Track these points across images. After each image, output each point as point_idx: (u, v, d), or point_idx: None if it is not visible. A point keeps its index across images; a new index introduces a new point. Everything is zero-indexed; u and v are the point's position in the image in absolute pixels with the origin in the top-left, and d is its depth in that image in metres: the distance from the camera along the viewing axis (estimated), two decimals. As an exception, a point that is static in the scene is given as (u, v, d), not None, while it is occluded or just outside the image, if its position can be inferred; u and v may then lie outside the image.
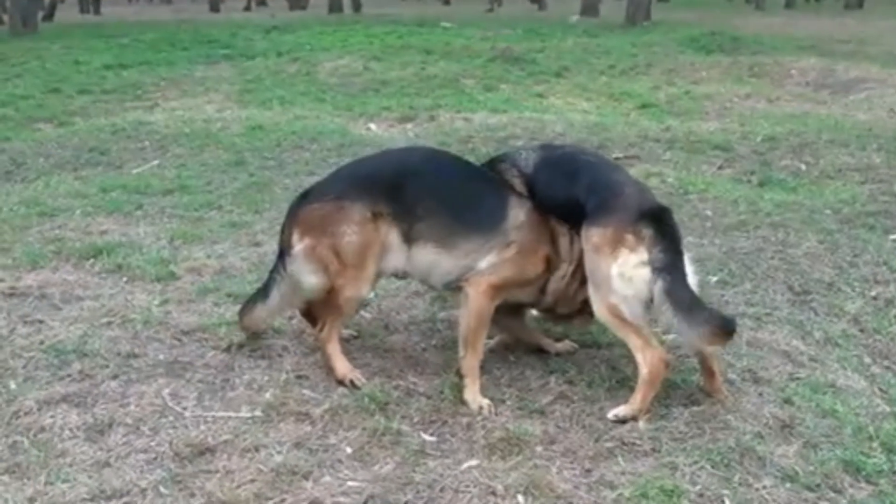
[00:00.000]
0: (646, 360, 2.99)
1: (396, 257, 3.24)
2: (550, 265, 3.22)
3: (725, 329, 2.95)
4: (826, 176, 6.36)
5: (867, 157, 6.69)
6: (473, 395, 3.09)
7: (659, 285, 2.93)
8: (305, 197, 3.34)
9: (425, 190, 3.23)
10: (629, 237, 2.97)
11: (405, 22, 21.00)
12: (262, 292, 3.35)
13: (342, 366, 3.24)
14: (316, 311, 3.39)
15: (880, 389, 3.37)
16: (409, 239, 3.20)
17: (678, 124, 8.38)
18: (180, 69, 13.06)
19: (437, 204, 3.21)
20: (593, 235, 3.04)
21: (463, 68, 12.49)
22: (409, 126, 8.61)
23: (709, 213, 5.37)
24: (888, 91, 10.48)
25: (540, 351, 3.51)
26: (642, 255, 2.95)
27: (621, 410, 2.99)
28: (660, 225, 3.01)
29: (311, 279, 3.23)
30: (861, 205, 5.47)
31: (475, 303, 3.14)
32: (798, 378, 3.32)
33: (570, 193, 3.16)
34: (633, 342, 3.03)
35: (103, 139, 7.71)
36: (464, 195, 3.27)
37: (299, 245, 3.22)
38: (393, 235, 3.20)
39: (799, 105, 10.07)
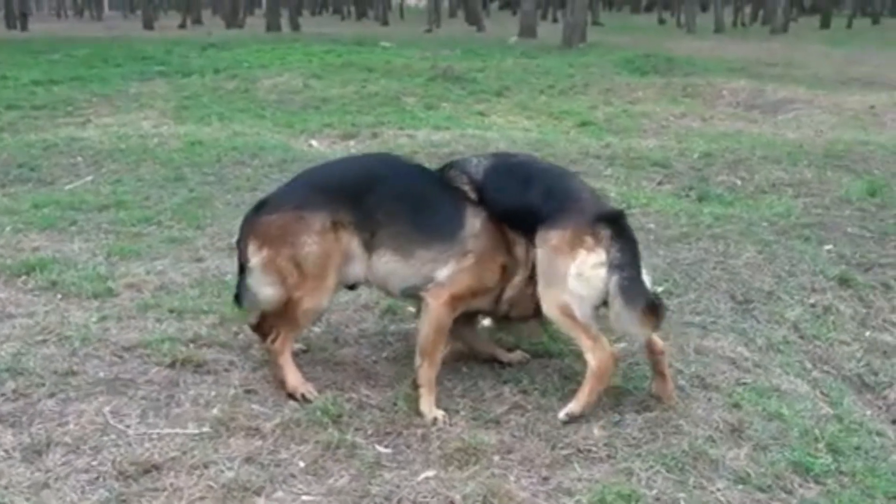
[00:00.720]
0: (594, 356, 3.05)
1: (357, 266, 3.23)
2: (507, 273, 3.23)
3: (654, 310, 3.03)
4: (761, 191, 6.54)
5: (799, 172, 6.90)
6: (429, 406, 3.07)
7: (614, 280, 3.00)
8: (262, 207, 3.27)
9: (386, 196, 3.22)
10: (588, 238, 3.04)
11: (344, 41, 20.99)
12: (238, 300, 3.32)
13: (294, 378, 3.18)
14: (269, 322, 3.33)
15: (822, 393, 3.48)
16: (369, 247, 3.19)
17: (617, 141, 8.52)
18: (114, 85, 12.71)
19: (398, 211, 3.21)
20: (552, 237, 3.09)
21: (404, 86, 12.50)
22: (351, 143, 8.53)
23: (652, 226, 5.45)
24: (815, 111, 10.90)
25: (493, 361, 3.50)
26: (601, 255, 3.02)
27: (571, 407, 3.04)
28: (617, 227, 3.09)
29: (269, 291, 3.18)
30: (796, 217, 5.64)
31: (435, 313, 3.14)
32: (744, 383, 3.39)
33: (525, 199, 3.20)
34: (583, 340, 3.08)
35: (33, 155, 7.44)
36: (423, 202, 3.26)
37: (257, 257, 3.16)
38: (354, 244, 3.18)
39: (731, 124, 10.37)
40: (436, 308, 3.14)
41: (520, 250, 3.24)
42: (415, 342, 3.40)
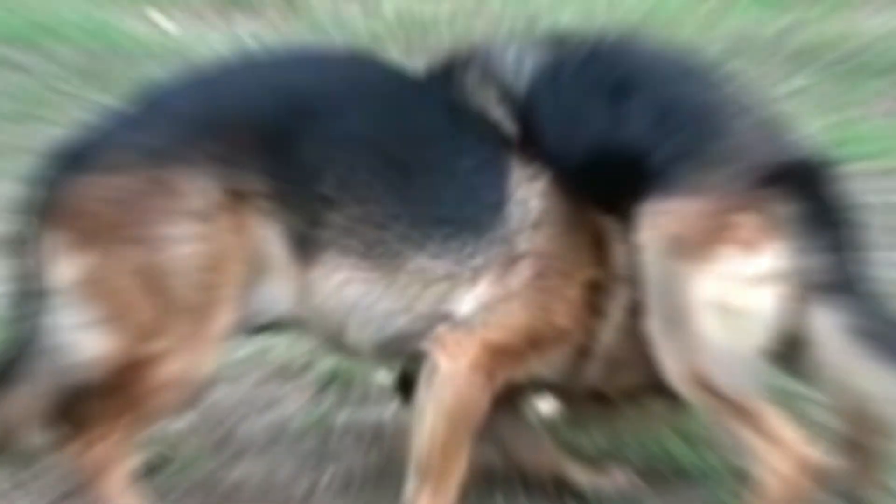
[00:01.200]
0: (767, 464, 2.78)
1: (278, 288, 2.81)
2: (598, 298, 2.89)
3: None
4: None
5: None
6: None
7: (823, 315, 2.69)
8: (77, 162, 2.77)
9: (342, 139, 2.86)
10: (745, 219, 2.74)
11: None
12: (14, 365, 2.84)
13: None
14: (85, 401, 2.88)
15: None
16: (306, 249, 2.80)
17: (807, 21, 7.44)
18: None
19: (368, 171, 2.85)
20: (669, 219, 2.72)
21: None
22: (239, 20, 7.99)
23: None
24: None
25: (559, 484, 3.14)
26: (771, 255, 2.75)
27: None
28: (810, 192, 2.77)
29: (94, 342, 2.71)
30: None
31: (452, 387, 2.78)
32: None
33: (618, 136, 2.85)
34: (745, 434, 2.83)
35: None
36: (420, 152, 2.92)
37: (72, 268, 2.71)
38: (274, 241, 2.76)
39: None
40: (454, 376, 2.77)
41: (619, 248, 2.83)
42: (399, 447, 3.11)
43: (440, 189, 2.94)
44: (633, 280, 2.93)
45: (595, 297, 2.93)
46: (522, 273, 2.87)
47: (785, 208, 2.77)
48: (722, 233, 2.77)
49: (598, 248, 2.93)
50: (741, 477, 3.01)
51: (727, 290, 2.76)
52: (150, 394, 2.88)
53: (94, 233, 2.82)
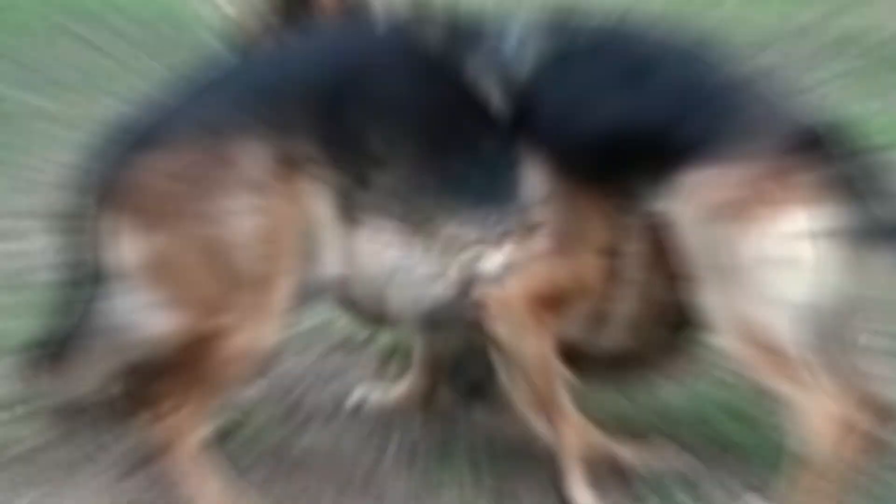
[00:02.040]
0: (812, 421, 2.82)
1: (328, 252, 2.85)
2: (615, 265, 3.01)
3: None
4: None
5: None
6: (581, 492, 2.95)
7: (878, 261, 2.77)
8: (131, 147, 2.74)
9: (385, 106, 2.96)
10: (779, 186, 2.81)
11: None
12: (71, 342, 2.82)
13: (214, 494, 2.84)
14: (153, 378, 2.89)
15: None
16: (352, 212, 2.87)
17: (843, 12, 7.71)
18: None
19: (408, 136, 2.95)
20: (705, 191, 2.80)
21: None
22: None
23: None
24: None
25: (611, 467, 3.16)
26: (805, 219, 2.79)
27: None
28: (833, 160, 2.81)
29: (162, 321, 2.70)
30: None
31: (518, 336, 2.94)
32: None
33: (637, 115, 2.93)
34: (789, 388, 2.86)
35: None
36: (454, 122, 3.01)
37: (133, 252, 2.68)
38: (323, 204, 2.81)
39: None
40: (515, 329, 2.93)
41: (637, 223, 2.93)
42: (459, 420, 3.37)
43: (466, 163, 3.02)
44: (649, 248, 3.05)
45: (610, 262, 3.03)
46: (541, 240, 2.96)
47: (813, 170, 2.85)
48: (762, 196, 2.84)
49: (608, 219, 3.03)
50: (789, 453, 3.00)
51: (775, 248, 2.83)
52: (218, 367, 2.89)
53: (158, 213, 2.82)
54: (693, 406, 3.56)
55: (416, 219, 2.93)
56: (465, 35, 3.13)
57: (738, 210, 2.80)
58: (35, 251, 4.37)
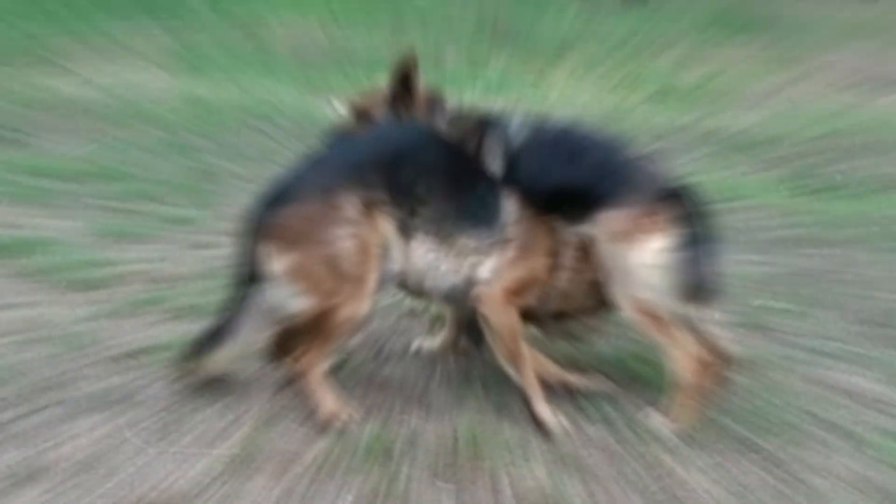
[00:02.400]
0: (678, 362, 3.15)
1: (395, 257, 3.18)
2: (554, 260, 3.30)
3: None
4: (893, 186, 6.24)
5: (940, 165, 6.76)
6: (546, 412, 3.16)
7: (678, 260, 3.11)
8: (277, 199, 3.10)
9: (425, 167, 3.21)
10: (652, 220, 3.13)
11: (369, -18, 20.86)
12: (227, 326, 3.14)
13: (330, 403, 3.15)
14: (293, 336, 3.22)
15: None
16: (407, 231, 3.17)
17: (707, 116, 8.31)
18: (95, 27, 12.67)
19: (439, 185, 3.21)
20: (609, 222, 3.16)
21: (443, 40, 12.37)
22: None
23: (758, 224, 5.31)
24: (950, 89, 10.61)
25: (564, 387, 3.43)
26: (668, 240, 3.11)
27: (661, 426, 3.15)
28: (686, 206, 3.16)
29: (299, 304, 3.08)
30: (943, 222, 5.50)
31: (497, 320, 3.21)
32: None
33: (570, 177, 3.26)
34: (665, 342, 3.17)
35: (3, 109, 7.42)
36: (462, 177, 3.27)
37: (280, 264, 3.05)
38: (391, 228, 3.14)
39: (849, 98, 10.08)
40: (495, 313, 3.22)
41: (566, 231, 3.29)
42: (474, 357, 3.61)
43: (473, 199, 3.24)
44: (578, 253, 3.26)
45: (552, 260, 3.27)
46: (511, 250, 3.22)
47: (672, 212, 3.12)
48: (640, 227, 3.12)
49: (552, 236, 3.26)
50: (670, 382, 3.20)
51: (648, 257, 3.11)
52: (333, 328, 3.14)
53: (294, 240, 3.05)
54: (614, 352, 3.73)
55: (442, 235, 3.19)
56: (487, 121, 3.35)
57: (627, 235, 3.14)
58: (225, 256, 4.44)
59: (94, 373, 3.33)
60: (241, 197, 5.13)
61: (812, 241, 5.07)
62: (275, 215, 3.06)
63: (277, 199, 3.10)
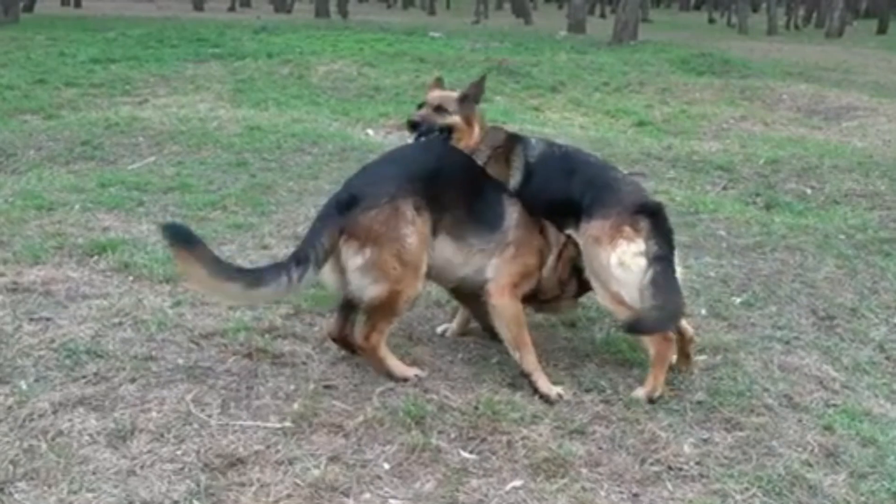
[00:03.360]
0: (652, 342, 3.21)
1: (428, 251, 3.24)
2: (543, 257, 3.41)
3: (677, 315, 3.21)
4: (833, 201, 6.36)
5: (871, 183, 6.70)
6: (546, 386, 3.19)
7: (649, 274, 3.14)
8: (351, 204, 3.11)
9: (450, 180, 3.26)
10: (627, 229, 3.22)
11: (394, 30, 20.95)
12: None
13: (400, 368, 3.23)
14: (349, 322, 3.30)
15: (913, 418, 3.33)
16: (434, 231, 3.21)
17: (678, 143, 8.39)
18: (170, 66, 12.81)
19: (458, 195, 3.26)
20: (593, 227, 3.26)
21: (457, 78, 12.38)
22: (406, 133, 8.47)
23: (723, 233, 5.33)
24: (880, 119, 10.59)
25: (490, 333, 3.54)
26: (640, 245, 3.19)
27: (639, 393, 3.19)
28: (656, 219, 3.26)
29: (375, 289, 3.12)
30: (874, 231, 5.45)
31: (503, 311, 3.28)
32: (834, 405, 3.27)
33: (568, 189, 3.35)
34: None
35: (95, 133, 7.53)
36: (476, 188, 3.33)
37: (359, 258, 3.09)
38: (428, 228, 3.19)
39: (794, 129, 10.13)
40: (501, 305, 3.29)
41: (552, 233, 3.42)
42: (489, 343, 3.56)
43: (483, 206, 3.33)
44: (557, 246, 3.42)
45: (543, 257, 3.40)
46: (511, 249, 3.32)
47: (643, 223, 3.23)
48: (620, 234, 3.22)
49: (543, 236, 3.41)
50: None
51: (624, 259, 3.19)
52: (397, 309, 3.21)
53: (371, 239, 3.08)
54: (603, 334, 3.79)
55: (458, 236, 3.27)
56: (515, 136, 3.56)
57: (608, 240, 3.23)
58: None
59: (181, 349, 3.35)
60: (294, 206, 5.45)
61: (763, 247, 5.08)
62: (353, 219, 3.08)
63: (351, 205, 3.10)
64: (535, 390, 3.18)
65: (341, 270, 3.14)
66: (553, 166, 3.42)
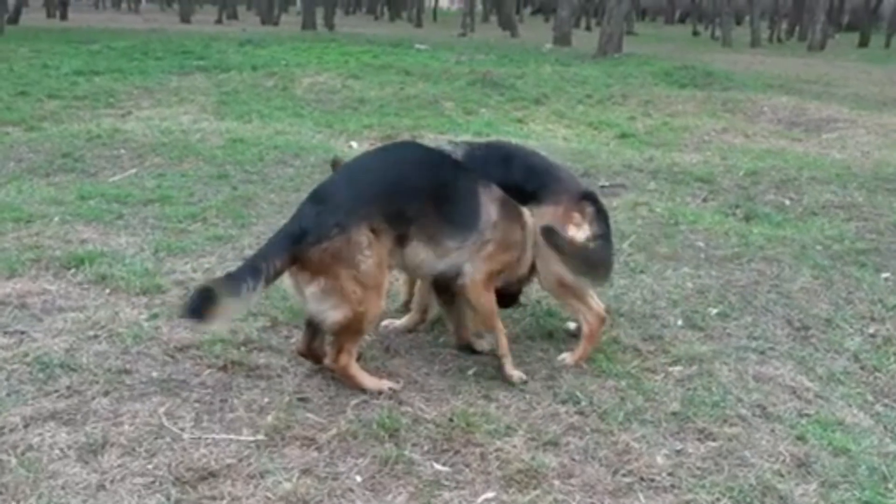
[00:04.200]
0: (586, 319, 3.57)
1: (392, 259, 3.25)
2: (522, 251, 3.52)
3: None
4: (811, 212, 6.38)
5: (849, 194, 6.74)
6: (511, 369, 3.38)
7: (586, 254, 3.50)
8: (301, 236, 3.04)
9: (415, 193, 3.22)
10: (577, 215, 3.52)
11: (380, 42, 20.99)
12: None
13: (372, 382, 3.22)
14: (318, 340, 3.28)
15: (886, 428, 3.31)
16: (402, 242, 3.21)
17: (659, 155, 8.42)
18: (154, 78, 12.78)
19: (427, 206, 3.23)
20: (546, 214, 3.48)
21: (442, 90, 12.43)
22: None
23: (701, 244, 5.36)
24: (859, 131, 10.68)
25: (465, 349, 3.62)
26: (586, 230, 3.51)
27: (566, 358, 3.55)
28: (597, 204, 3.59)
29: (335, 314, 3.11)
30: (850, 242, 5.48)
31: (478, 300, 3.38)
32: (807, 415, 3.28)
33: (507, 178, 3.47)
34: (577, 305, 3.60)
35: (77, 145, 7.49)
36: (447, 193, 3.30)
37: (313, 286, 3.08)
38: (390, 243, 3.18)
39: (775, 141, 10.19)
40: (476, 296, 3.38)
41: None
42: (465, 355, 3.61)
43: (455, 210, 3.31)
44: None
45: (524, 249, 3.50)
46: (489, 247, 3.35)
47: (588, 209, 3.56)
48: (565, 220, 3.51)
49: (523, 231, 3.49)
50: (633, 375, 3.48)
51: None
52: (362, 328, 3.23)
53: (323, 269, 3.05)
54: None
55: (432, 240, 3.26)
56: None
57: (557, 226, 3.47)
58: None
59: (156, 362, 3.33)
60: (274, 218, 5.37)
61: (740, 258, 5.10)
62: (303, 251, 3.03)
63: (303, 236, 3.04)
64: (502, 374, 3.38)
65: (301, 293, 3.14)
66: (485, 159, 3.56)
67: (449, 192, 3.30)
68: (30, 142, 7.71)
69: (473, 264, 3.33)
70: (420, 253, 3.26)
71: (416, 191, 3.23)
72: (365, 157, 3.60)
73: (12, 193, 5.83)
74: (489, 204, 3.35)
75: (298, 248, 3.04)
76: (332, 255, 3.05)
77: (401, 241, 3.21)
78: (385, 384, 3.23)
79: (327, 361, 3.26)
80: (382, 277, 3.17)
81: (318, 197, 3.23)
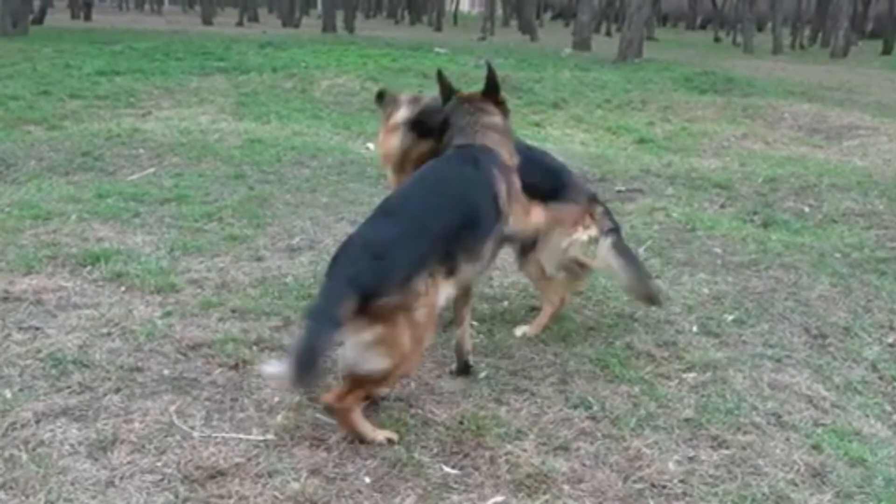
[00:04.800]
0: (551, 302, 3.90)
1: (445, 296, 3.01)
2: None
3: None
4: (830, 220, 6.31)
5: (870, 202, 6.66)
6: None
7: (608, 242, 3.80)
8: (364, 286, 2.65)
9: (468, 237, 3.01)
10: (586, 217, 3.79)
11: (399, 45, 20.98)
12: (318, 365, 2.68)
13: (370, 431, 2.86)
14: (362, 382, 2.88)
15: (904, 439, 3.28)
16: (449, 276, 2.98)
17: (678, 160, 8.36)
18: (174, 79, 12.85)
19: (474, 242, 3.04)
20: (556, 216, 3.65)
21: (460, 94, 12.42)
22: None
23: (718, 250, 5.31)
24: (881, 139, 10.55)
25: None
26: (592, 230, 3.80)
27: (526, 330, 3.84)
28: (602, 204, 3.93)
29: (378, 364, 2.76)
30: (870, 250, 5.41)
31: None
32: (823, 424, 3.23)
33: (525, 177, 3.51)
34: (546, 290, 3.91)
35: (97, 144, 7.57)
36: (484, 221, 3.08)
37: (368, 332, 2.71)
38: (438, 290, 2.93)
39: (795, 148, 10.10)
40: (523, 224, 3.36)
41: None
42: (478, 357, 3.54)
43: (486, 220, 3.07)
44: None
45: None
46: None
47: (598, 209, 3.87)
48: (580, 221, 3.82)
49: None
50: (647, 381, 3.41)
51: (583, 241, 3.86)
52: (392, 380, 2.95)
53: (382, 318, 2.70)
54: (593, 350, 3.73)
55: (472, 252, 3.03)
56: None
57: (570, 225, 3.79)
58: (275, 267, 4.53)
59: (168, 360, 3.34)
60: (290, 219, 5.45)
61: (757, 265, 5.05)
62: (366, 300, 2.65)
63: (365, 285, 2.66)
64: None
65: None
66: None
67: (481, 211, 3.07)
68: (50, 140, 7.79)
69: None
70: (467, 271, 3.06)
71: (470, 236, 3.01)
72: (426, 181, 3.14)
73: (32, 191, 5.89)
74: (501, 189, 3.10)
75: (361, 296, 2.66)
76: (396, 306, 2.74)
77: (450, 273, 2.97)
78: (383, 435, 2.87)
79: (328, 397, 2.90)
80: (432, 327, 2.93)
81: (377, 232, 2.90)
